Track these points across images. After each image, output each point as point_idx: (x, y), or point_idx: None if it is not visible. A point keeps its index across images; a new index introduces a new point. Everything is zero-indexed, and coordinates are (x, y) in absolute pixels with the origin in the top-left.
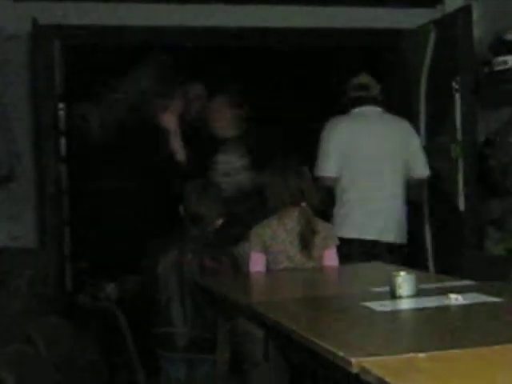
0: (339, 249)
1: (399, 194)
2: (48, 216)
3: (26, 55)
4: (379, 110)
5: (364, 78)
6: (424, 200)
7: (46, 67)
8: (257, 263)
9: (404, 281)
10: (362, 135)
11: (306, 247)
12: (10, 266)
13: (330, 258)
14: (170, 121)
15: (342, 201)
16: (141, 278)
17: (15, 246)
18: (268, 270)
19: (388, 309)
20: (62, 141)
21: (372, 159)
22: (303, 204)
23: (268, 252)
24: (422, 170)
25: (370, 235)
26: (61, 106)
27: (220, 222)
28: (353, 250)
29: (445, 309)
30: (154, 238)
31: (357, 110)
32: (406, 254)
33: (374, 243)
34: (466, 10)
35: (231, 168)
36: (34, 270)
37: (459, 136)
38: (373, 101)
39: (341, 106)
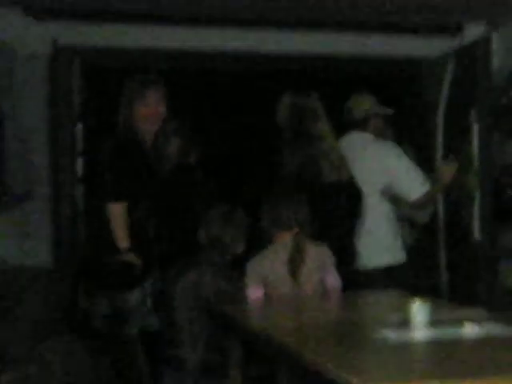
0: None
1: (381, 218)
2: (63, 235)
3: (45, 75)
4: (364, 135)
5: (351, 100)
6: (440, 228)
7: (65, 88)
8: (255, 296)
9: (419, 309)
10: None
11: (293, 274)
12: (25, 284)
13: (331, 280)
14: None
15: None
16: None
17: (30, 265)
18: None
19: (402, 338)
20: (80, 161)
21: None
22: (296, 230)
23: (266, 285)
24: (406, 194)
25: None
26: (79, 126)
27: (241, 248)
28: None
29: (459, 339)
30: (170, 260)
31: (341, 139)
32: (401, 275)
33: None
34: (485, 41)
35: None
36: (49, 289)
37: (476, 167)
38: (354, 125)
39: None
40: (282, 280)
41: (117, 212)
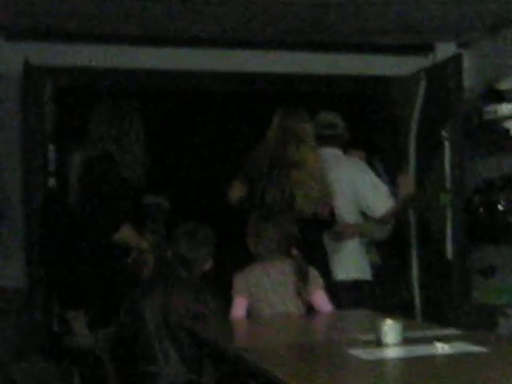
0: None
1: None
2: (35, 256)
3: (17, 95)
4: (336, 152)
5: (332, 116)
6: (413, 247)
7: (37, 108)
8: (239, 307)
9: (390, 329)
10: None
11: (294, 294)
12: None
13: (321, 302)
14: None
15: None
16: (124, 317)
17: (2, 286)
18: (253, 316)
19: (374, 357)
20: (51, 181)
21: None
22: (294, 252)
23: (250, 298)
24: (372, 211)
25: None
26: (51, 146)
27: (209, 265)
28: None
29: (430, 358)
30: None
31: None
32: (369, 291)
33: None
34: (456, 59)
35: None
36: (20, 312)
37: (448, 184)
38: (338, 140)
39: None
40: (265, 295)
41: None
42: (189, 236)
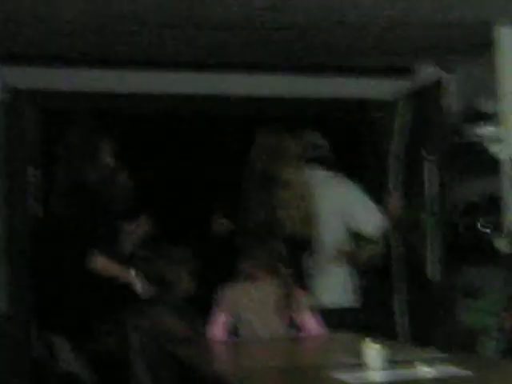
0: None
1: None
2: (16, 280)
3: None
4: (324, 172)
5: (317, 137)
6: (396, 268)
7: (19, 132)
8: (218, 323)
9: (375, 352)
10: None
11: (281, 315)
12: None
13: (308, 323)
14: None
15: None
16: (108, 341)
17: None
18: (237, 335)
19: (358, 381)
20: (33, 204)
21: None
22: (280, 266)
23: (237, 315)
24: (363, 229)
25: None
26: (32, 170)
27: (191, 286)
28: None
29: (415, 381)
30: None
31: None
32: (354, 317)
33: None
34: (437, 83)
35: None
36: (2, 335)
37: (429, 206)
38: (325, 160)
39: None
40: (248, 315)
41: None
42: (167, 257)
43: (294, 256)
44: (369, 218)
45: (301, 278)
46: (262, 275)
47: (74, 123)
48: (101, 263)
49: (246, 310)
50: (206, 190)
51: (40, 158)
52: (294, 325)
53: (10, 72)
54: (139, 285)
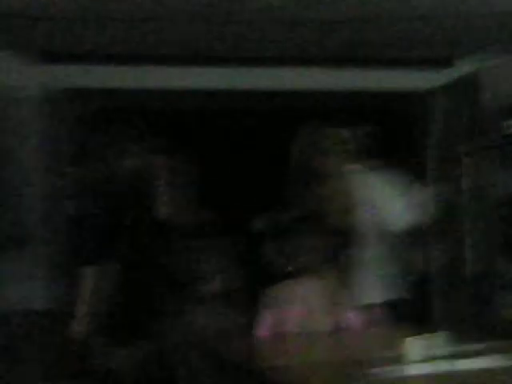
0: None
1: (374, 251)
2: (61, 278)
3: (41, 117)
4: (356, 166)
5: (349, 131)
6: (437, 262)
7: (61, 130)
8: (265, 323)
9: (414, 345)
10: None
11: (326, 311)
12: (24, 328)
13: (358, 321)
14: None
15: None
16: (154, 343)
17: (29, 308)
18: (280, 333)
19: (397, 374)
20: (74, 202)
21: None
22: (326, 266)
23: (278, 315)
24: (392, 225)
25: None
26: (74, 169)
27: (231, 281)
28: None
29: (454, 374)
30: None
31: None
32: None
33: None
34: (474, 75)
35: None
36: (47, 334)
37: (468, 200)
38: (357, 154)
39: None
40: (294, 313)
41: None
42: (206, 252)
43: (340, 250)
44: (399, 214)
45: (345, 273)
46: (306, 272)
47: (118, 121)
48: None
49: (291, 308)
50: (249, 185)
51: (83, 156)
52: (338, 321)
53: (52, 69)
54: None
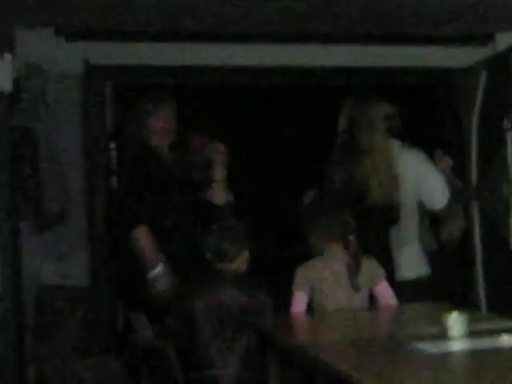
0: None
1: (412, 227)
2: (99, 255)
3: (77, 95)
4: (396, 143)
5: (390, 107)
6: (476, 239)
7: (98, 107)
8: (299, 302)
9: (456, 321)
10: None
11: (353, 284)
12: (62, 305)
13: (385, 293)
14: None
15: None
16: (176, 322)
17: (67, 285)
18: (316, 310)
19: (438, 350)
20: (113, 180)
21: None
22: (351, 238)
23: (314, 294)
24: (432, 203)
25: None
26: (112, 145)
27: (245, 257)
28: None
29: (496, 350)
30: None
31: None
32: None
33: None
34: None
35: None
36: (86, 310)
37: (511, 175)
38: (397, 131)
39: None
40: (328, 289)
41: (141, 235)
42: (222, 231)
43: (382, 226)
44: (439, 193)
45: (386, 249)
46: (333, 248)
47: (147, 97)
48: (142, 234)
49: (323, 286)
50: (291, 163)
51: (120, 133)
52: (370, 296)
53: (87, 47)
54: (160, 281)
